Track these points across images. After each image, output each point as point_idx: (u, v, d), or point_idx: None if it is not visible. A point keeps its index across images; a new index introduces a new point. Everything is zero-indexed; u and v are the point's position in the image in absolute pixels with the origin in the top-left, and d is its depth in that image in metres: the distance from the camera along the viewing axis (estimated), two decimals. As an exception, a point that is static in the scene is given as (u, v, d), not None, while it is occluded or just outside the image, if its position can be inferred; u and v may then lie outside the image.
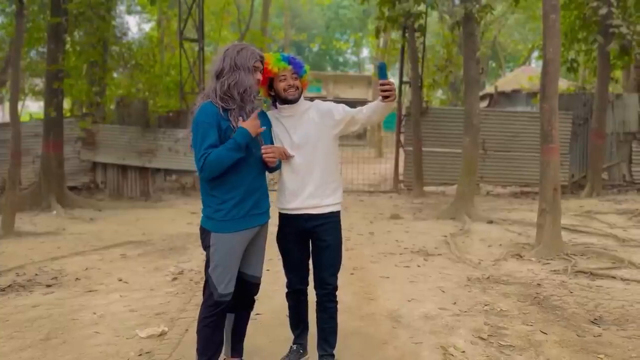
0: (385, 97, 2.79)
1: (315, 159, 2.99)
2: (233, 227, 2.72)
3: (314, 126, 3.01)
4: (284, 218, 3.09)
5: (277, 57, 2.96)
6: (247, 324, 3.10)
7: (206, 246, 2.79)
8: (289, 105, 3.01)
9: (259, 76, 2.80)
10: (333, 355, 3.17)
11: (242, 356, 3.09)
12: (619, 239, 6.76)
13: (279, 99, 3.03)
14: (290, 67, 2.96)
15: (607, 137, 11.53)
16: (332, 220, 3.08)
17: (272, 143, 2.95)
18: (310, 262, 3.18)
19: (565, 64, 11.63)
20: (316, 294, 3.14)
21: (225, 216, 2.71)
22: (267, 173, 2.94)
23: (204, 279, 2.82)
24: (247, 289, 2.96)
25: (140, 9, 22.00)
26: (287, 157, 2.95)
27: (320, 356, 3.16)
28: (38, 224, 8.30)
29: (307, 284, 3.22)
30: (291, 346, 3.31)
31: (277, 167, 2.97)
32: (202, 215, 2.82)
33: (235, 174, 2.70)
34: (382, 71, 2.85)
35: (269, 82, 3.01)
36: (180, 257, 6.10)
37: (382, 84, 2.77)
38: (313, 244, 3.11)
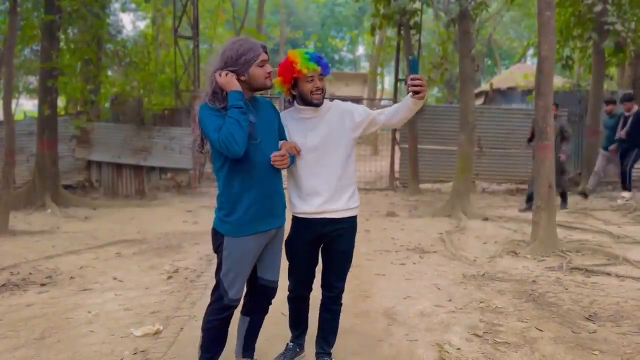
0: (415, 93, 2.71)
1: (335, 161, 2.89)
2: (247, 230, 2.65)
3: (334, 128, 2.89)
4: (299, 222, 2.97)
5: (305, 57, 2.76)
6: (261, 326, 3.06)
7: (217, 249, 2.72)
8: (310, 107, 2.88)
9: (269, 68, 2.65)
10: (330, 354, 3.17)
11: (253, 357, 3.07)
12: (614, 236, 6.78)
13: (301, 100, 2.89)
14: (319, 68, 2.80)
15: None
16: (350, 225, 3.01)
17: (282, 138, 2.86)
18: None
19: (560, 61, 11.64)
20: (322, 295, 3.11)
21: (239, 219, 2.64)
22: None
23: (215, 282, 2.77)
24: (264, 293, 2.91)
25: (134, 7, 21.91)
26: (298, 151, 2.82)
27: (318, 354, 3.16)
28: (32, 223, 8.26)
29: (311, 290, 3.16)
30: (288, 344, 3.31)
31: (291, 162, 2.83)
32: (215, 216, 2.76)
33: (249, 176, 2.62)
34: (413, 66, 2.80)
35: (294, 81, 2.85)
36: (175, 255, 6.09)
37: (412, 79, 2.69)
38: (327, 248, 3.03)
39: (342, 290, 3.10)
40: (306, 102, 2.87)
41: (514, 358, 3.34)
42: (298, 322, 3.26)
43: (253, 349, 3.07)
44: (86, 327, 3.89)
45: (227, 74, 2.55)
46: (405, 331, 3.80)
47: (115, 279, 5.17)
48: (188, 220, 8.33)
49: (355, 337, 3.70)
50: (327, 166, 2.88)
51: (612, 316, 4.04)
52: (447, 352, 3.39)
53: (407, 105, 2.82)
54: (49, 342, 3.61)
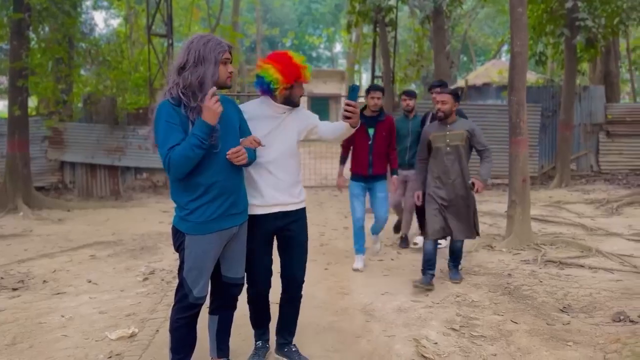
0: (347, 118, 2.83)
1: (288, 159, 3.03)
2: (208, 228, 2.61)
3: (292, 128, 3.05)
4: (255, 220, 2.98)
5: (307, 66, 2.95)
6: (231, 323, 3.05)
7: (179, 248, 2.68)
8: (287, 106, 3.02)
9: (231, 69, 2.65)
10: (292, 342, 3.27)
11: (228, 356, 3.05)
12: (587, 228, 6.92)
13: (284, 99, 3.00)
14: None
15: (574, 129, 11.77)
16: (303, 216, 3.15)
17: (245, 135, 2.83)
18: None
19: (533, 57, 11.81)
20: (285, 290, 3.18)
21: (199, 217, 2.59)
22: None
23: (178, 281, 2.75)
24: (229, 291, 2.90)
25: (107, 5, 21.56)
26: (259, 143, 2.82)
27: (282, 344, 3.25)
28: (4, 226, 8.07)
29: (270, 286, 3.19)
30: (256, 343, 3.31)
31: (252, 161, 2.82)
32: (175, 214, 2.71)
33: (208, 174, 2.58)
34: (352, 93, 2.87)
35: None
36: (151, 256, 6.01)
37: (347, 104, 2.81)
38: (284, 241, 3.10)
39: (303, 282, 3.19)
40: (291, 102, 3.02)
41: (490, 351, 3.37)
42: (262, 320, 3.29)
43: (227, 348, 3.04)
44: (60, 331, 3.81)
45: (217, 103, 2.49)
46: (383, 327, 3.81)
47: (89, 281, 5.08)
48: (164, 221, 8.23)
49: (334, 334, 3.70)
50: (281, 164, 3.00)
51: (585, 307, 4.11)
52: (424, 347, 3.41)
53: (339, 129, 3.03)
54: (21, 348, 3.52)
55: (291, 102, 3.02)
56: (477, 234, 4.83)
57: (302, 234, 3.13)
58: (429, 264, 4.67)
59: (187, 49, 2.56)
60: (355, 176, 5.27)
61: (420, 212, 5.00)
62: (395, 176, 5.41)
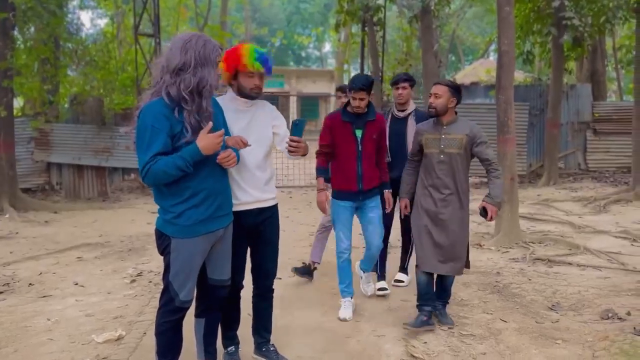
0: (290, 152, 2.81)
1: (264, 154, 3.02)
2: (196, 231, 2.56)
3: (266, 124, 3.04)
4: (236, 215, 2.91)
5: (253, 55, 2.83)
6: (218, 325, 3.02)
7: (164, 252, 2.62)
8: (246, 99, 2.97)
9: (219, 71, 2.61)
10: (270, 342, 3.26)
11: (215, 359, 3.03)
12: (575, 226, 6.96)
13: (238, 91, 2.95)
14: (263, 69, 2.90)
15: (562, 127, 11.84)
16: (276, 212, 3.16)
17: (226, 133, 2.77)
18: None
19: (521, 56, 11.88)
20: (259, 287, 3.18)
21: (187, 221, 2.53)
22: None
23: (163, 285, 2.69)
24: (215, 293, 2.86)
25: (94, 4, 21.36)
26: (245, 144, 2.77)
27: (260, 343, 3.23)
28: (-11, 229, 7.96)
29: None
30: (228, 350, 3.22)
31: (238, 162, 2.75)
32: (158, 217, 2.63)
33: (198, 178, 2.52)
34: (295, 128, 2.81)
35: (235, 73, 2.90)
36: (139, 258, 5.95)
37: (291, 140, 2.77)
38: (258, 237, 3.09)
39: (275, 275, 3.22)
40: (243, 94, 2.95)
41: (479, 350, 3.37)
42: (235, 320, 3.23)
43: (215, 351, 3.01)
44: (45, 335, 3.76)
45: (219, 138, 2.46)
46: (373, 327, 3.80)
47: (76, 284, 5.02)
48: (152, 222, 8.12)
49: (324, 334, 3.69)
50: (261, 157, 2.99)
51: (573, 305, 4.13)
52: (414, 347, 3.40)
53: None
54: (5, 352, 3.47)
55: (243, 93, 2.93)
56: (468, 265, 3.85)
57: (275, 230, 3.15)
58: (424, 298, 3.74)
59: (184, 49, 2.45)
60: (341, 194, 3.99)
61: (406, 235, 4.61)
62: (387, 191, 4.23)
